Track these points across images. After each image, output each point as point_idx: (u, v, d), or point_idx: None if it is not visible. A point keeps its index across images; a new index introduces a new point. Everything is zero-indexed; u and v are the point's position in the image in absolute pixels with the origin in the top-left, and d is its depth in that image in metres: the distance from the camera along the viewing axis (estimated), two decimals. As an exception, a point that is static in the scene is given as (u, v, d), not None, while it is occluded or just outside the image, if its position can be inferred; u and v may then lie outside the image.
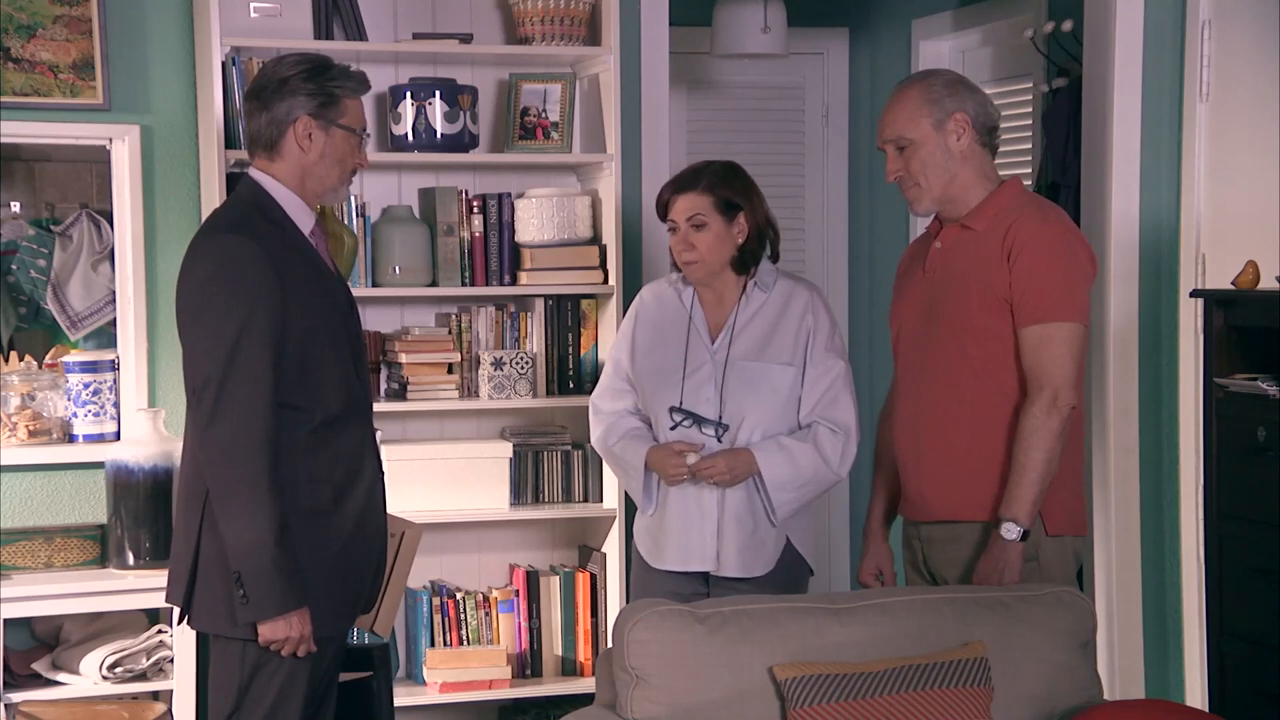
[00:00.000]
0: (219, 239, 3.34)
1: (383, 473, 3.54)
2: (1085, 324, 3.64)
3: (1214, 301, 4.18)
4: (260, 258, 3.28)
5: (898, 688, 3.20)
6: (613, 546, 4.76)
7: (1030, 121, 5.28)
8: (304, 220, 3.43)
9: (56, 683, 4.43)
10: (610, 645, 3.36)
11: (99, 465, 4.55)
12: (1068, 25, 4.78)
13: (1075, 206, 4.77)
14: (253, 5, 4.58)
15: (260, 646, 3.31)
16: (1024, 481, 3.56)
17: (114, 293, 4.73)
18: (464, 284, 4.75)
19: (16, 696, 4.31)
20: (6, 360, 4.74)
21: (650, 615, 3.25)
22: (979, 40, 5.73)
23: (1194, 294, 4.38)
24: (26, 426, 4.57)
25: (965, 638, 3.34)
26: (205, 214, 4.44)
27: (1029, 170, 5.24)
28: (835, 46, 6.33)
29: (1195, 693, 4.55)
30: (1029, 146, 5.30)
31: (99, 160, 4.68)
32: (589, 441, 4.83)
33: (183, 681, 4.38)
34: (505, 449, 4.77)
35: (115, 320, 4.72)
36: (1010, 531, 3.56)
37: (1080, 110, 4.76)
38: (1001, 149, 5.84)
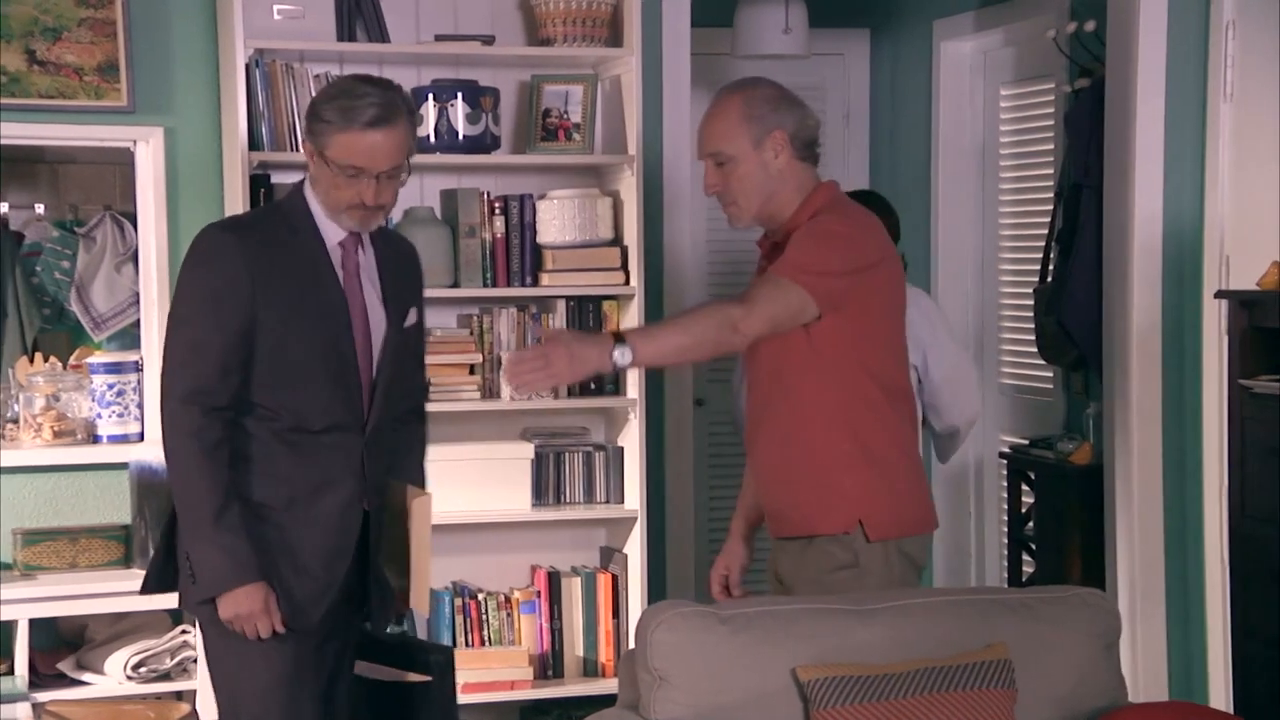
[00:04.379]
0: (208, 233, 3.39)
1: (373, 503, 3.48)
2: (811, 294, 3.44)
3: (1238, 303, 4.17)
4: (235, 252, 3.29)
5: (921, 689, 3.19)
6: (634, 548, 4.76)
7: (1053, 122, 5.26)
8: (330, 232, 3.41)
9: (81, 682, 4.45)
10: (632, 646, 3.36)
11: (123, 466, 4.56)
12: (1090, 25, 4.77)
13: (1098, 208, 4.76)
14: (276, 7, 4.60)
15: (232, 631, 3.32)
16: (664, 331, 3.45)
17: (137, 294, 4.75)
18: (485, 285, 4.76)
19: (43, 696, 4.34)
20: (31, 361, 4.76)
21: (673, 616, 3.24)
22: (1001, 40, 5.72)
23: (1218, 295, 4.37)
24: (51, 427, 4.59)
25: (989, 639, 3.33)
26: (228, 215, 4.46)
27: (1051, 172, 5.22)
28: (856, 47, 6.32)
29: (1219, 695, 4.54)
30: (1051, 148, 5.28)
31: (123, 162, 4.70)
32: (610, 443, 4.85)
33: (206, 681, 4.39)
34: (527, 450, 4.78)
35: (139, 321, 4.74)
36: (622, 356, 3.30)
37: (1103, 111, 4.75)
38: (1025, 150, 5.79)
